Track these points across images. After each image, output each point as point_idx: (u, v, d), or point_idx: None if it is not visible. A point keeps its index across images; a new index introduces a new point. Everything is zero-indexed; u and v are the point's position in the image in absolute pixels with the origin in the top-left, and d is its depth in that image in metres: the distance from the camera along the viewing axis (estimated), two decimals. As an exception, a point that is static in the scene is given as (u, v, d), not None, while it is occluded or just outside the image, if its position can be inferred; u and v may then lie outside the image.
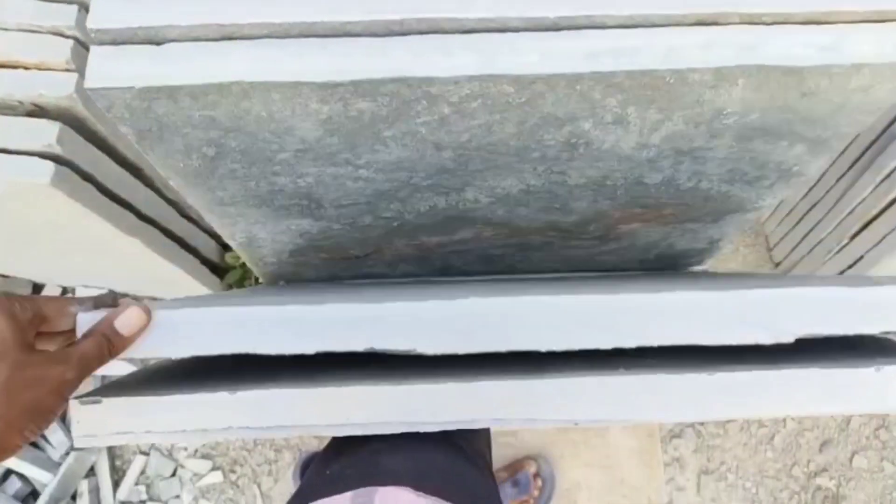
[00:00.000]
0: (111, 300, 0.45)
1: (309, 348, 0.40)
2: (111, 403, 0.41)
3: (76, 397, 0.41)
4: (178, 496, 1.32)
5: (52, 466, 1.27)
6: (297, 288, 0.76)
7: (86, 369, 0.37)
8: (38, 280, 1.27)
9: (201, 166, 0.51)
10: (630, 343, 0.42)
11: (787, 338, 0.42)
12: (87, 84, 0.41)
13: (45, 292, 1.27)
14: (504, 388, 0.42)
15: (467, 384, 0.42)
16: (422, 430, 0.42)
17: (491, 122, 0.47)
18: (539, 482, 1.25)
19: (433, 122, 0.46)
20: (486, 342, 0.42)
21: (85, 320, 0.40)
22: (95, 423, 0.41)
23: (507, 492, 1.23)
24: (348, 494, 0.41)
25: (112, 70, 0.41)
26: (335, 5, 0.42)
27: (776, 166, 0.57)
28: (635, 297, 0.42)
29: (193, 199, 0.58)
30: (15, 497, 1.26)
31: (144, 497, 1.32)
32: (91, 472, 1.31)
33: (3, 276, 1.22)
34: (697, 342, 0.42)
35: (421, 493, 0.42)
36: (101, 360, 0.38)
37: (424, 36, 0.42)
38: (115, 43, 0.42)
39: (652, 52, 0.43)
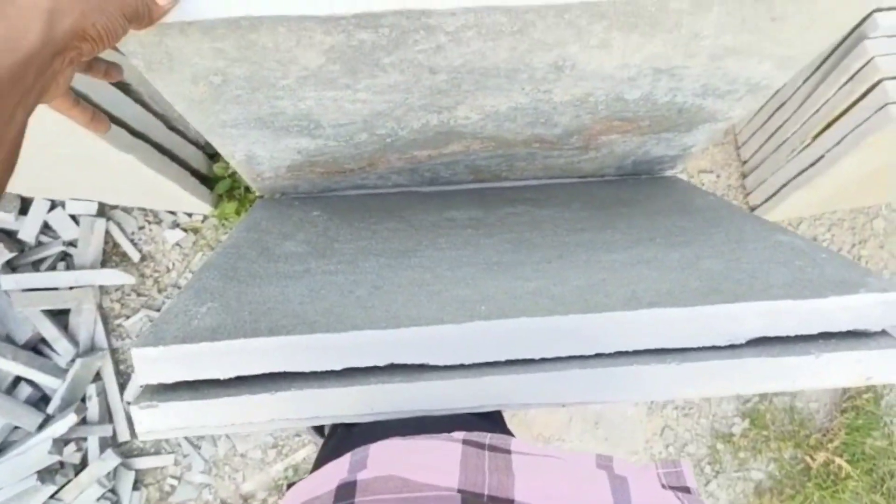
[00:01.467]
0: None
1: (337, 366, 0.48)
2: (167, 407, 0.46)
3: (136, 402, 0.46)
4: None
5: (60, 373, 1.32)
6: (296, 217, 0.80)
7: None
8: (26, 194, 1.27)
9: (207, 93, 0.53)
10: (610, 350, 0.50)
11: (741, 341, 0.51)
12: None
13: (32, 207, 1.27)
14: (503, 382, 0.49)
15: (472, 380, 0.49)
16: (435, 414, 0.49)
17: (484, 48, 0.50)
18: None
19: (430, 49, 0.49)
20: (486, 355, 0.49)
21: None
22: (155, 422, 0.46)
23: None
24: (347, 456, 0.44)
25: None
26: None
27: (745, 81, 0.62)
28: (615, 315, 0.49)
29: (196, 123, 0.60)
30: (27, 402, 1.32)
31: (152, 396, 1.39)
32: (98, 376, 1.37)
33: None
34: (666, 347, 0.50)
35: (409, 437, 0.45)
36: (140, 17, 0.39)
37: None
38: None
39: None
